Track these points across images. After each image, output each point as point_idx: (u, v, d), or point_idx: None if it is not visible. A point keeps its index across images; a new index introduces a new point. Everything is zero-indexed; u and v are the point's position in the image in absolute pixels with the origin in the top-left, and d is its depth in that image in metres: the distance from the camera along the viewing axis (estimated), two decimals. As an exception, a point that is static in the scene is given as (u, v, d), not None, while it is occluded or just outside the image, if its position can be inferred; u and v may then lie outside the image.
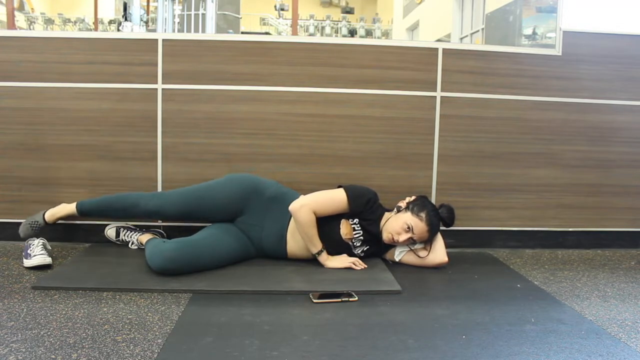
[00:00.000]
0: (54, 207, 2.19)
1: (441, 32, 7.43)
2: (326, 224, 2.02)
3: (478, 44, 4.97)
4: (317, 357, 1.30)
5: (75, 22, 9.06)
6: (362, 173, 2.38)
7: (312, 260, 2.03)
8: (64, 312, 1.53)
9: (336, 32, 10.45)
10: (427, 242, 2.08)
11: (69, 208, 2.17)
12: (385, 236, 2.04)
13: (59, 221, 2.19)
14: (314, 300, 1.67)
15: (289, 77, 2.34)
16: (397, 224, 2.01)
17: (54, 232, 2.30)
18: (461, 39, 6.73)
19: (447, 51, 2.38)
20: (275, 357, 1.29)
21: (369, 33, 10.36)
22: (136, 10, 5.93)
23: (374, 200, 2.07)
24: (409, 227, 2.00)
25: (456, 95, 2.39)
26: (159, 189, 2.33)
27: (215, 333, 1.42)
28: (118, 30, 7.10)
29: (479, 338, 1.44)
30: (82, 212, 2.16)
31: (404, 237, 2.00)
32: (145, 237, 2.13)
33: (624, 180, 2.51)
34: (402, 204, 2.09)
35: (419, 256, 2.08)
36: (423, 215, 2.01)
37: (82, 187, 2.31)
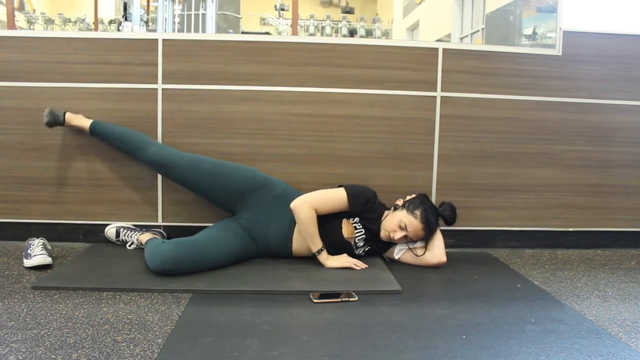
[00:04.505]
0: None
1: (441, 32, 7.43)
2: (327, 223, 2.03)
3: (478, 44, 4.97)
4: (317, 357, 1.30)
5: (75, 22, 9.06)
6: (362, 173, 2.38)
7: (313, 260, 2.03)
8: (64, 312, 1.53)
9: (336, 32, 10.44)
10: (425, 240, 2.09)
11: (84, 123, 2.21)
12: (382, 234, 2.05)
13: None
14: (314, 300, 1.67)
15: (289, 77, 2.34)
16: (393, 221, 2.02)
17: (54, 232, 2.30)
18: (461, 39, 6.73)
19: (447, 51, 2.38)
20: (275, 357, 1.29)
21: (369, 33, 10.35)
22: (136, 10, 5.93)
23: (373, 200, 2.08)
24: (403, 225, 2.00)
25: (456, 95, 2.39)
26: (160, 188, 2.33)
27: (215, 333, 1.42)
28: (118, 30, 7.10)
29: (479, 338, 1.44)
30: (93, 133, 2.22)
31: (399, 234, 2.01)
32: (145, 237, 2.13)
33: (624, 180, 2.51)
34: (400, 202, 2.09)
35: (416, 255, 2.08)
36: (418, 213, 2.01)
37: (82, 187, 2.31)
